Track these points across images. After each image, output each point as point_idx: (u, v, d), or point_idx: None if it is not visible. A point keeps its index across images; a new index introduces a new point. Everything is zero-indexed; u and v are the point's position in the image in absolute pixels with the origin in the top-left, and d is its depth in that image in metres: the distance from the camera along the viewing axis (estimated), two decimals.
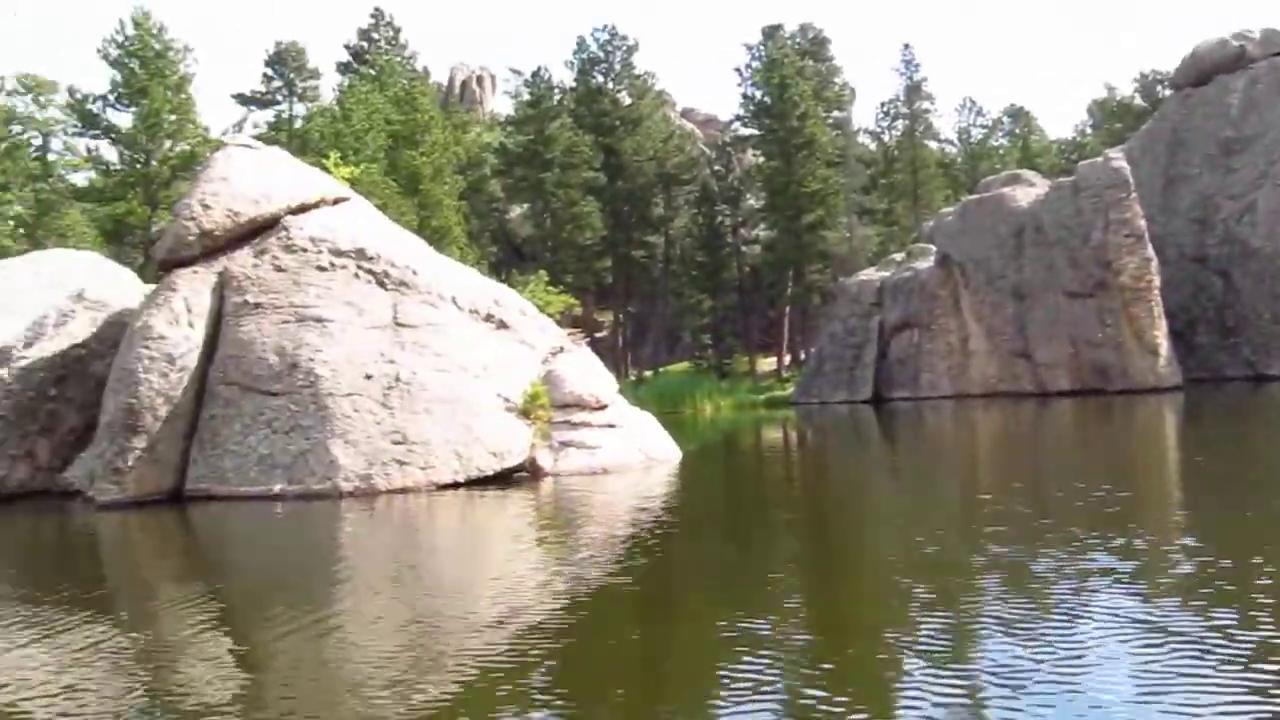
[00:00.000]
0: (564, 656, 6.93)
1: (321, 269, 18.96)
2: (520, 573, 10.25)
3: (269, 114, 60.79)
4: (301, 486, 16.55)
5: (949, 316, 41.61)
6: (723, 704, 5.70)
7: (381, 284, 19.04)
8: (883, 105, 64.64)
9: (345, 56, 64.37)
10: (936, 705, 5.36)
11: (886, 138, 64.69)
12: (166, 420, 17.72)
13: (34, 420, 20.88)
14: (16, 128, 48.10)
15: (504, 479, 16.97)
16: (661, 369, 60.22)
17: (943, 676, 5.82)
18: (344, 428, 16.85)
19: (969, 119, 69.56)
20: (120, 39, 44.84)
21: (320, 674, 6.85)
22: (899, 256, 47.62)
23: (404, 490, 16.21)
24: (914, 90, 63.88)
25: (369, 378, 17.42)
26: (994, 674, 5.78)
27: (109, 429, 18.06)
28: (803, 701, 5.65)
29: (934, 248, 43.46)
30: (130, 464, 17.41)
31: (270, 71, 59.53)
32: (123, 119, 45.92)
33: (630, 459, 18.47)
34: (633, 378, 54.72)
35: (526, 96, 64.19)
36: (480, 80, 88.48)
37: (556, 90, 63.91)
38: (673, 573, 9.83)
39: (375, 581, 10.32)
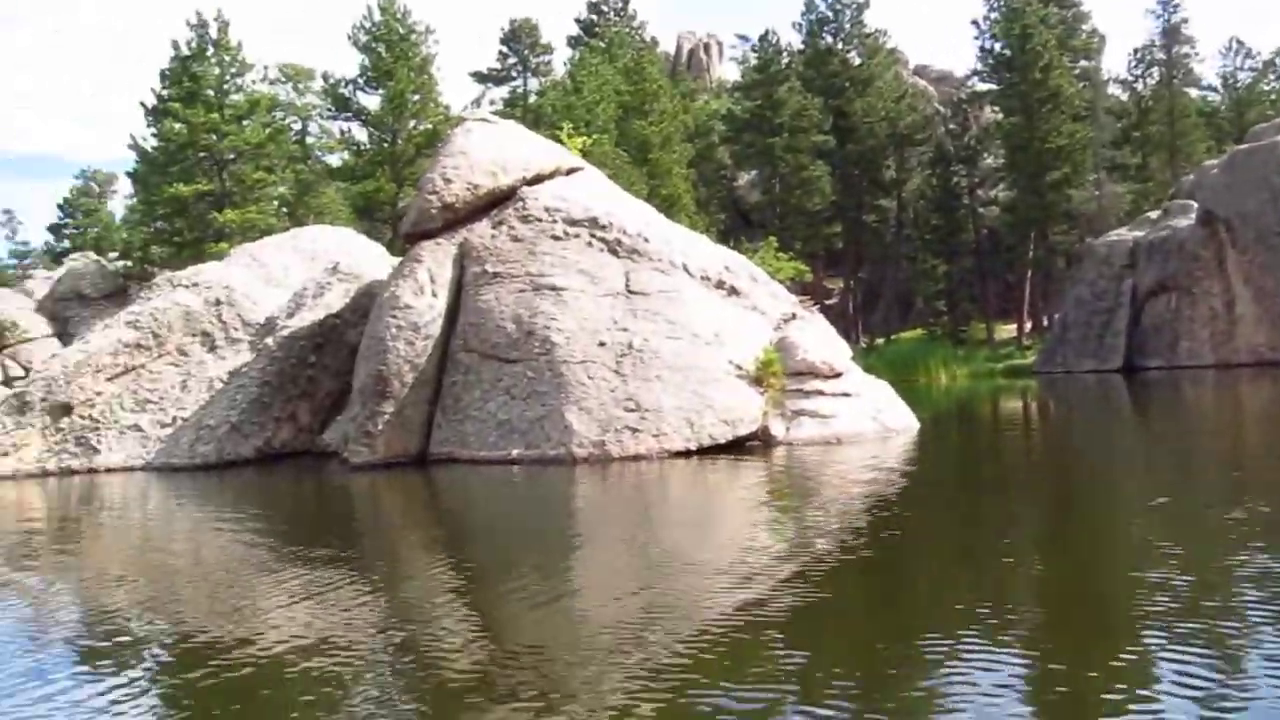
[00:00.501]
0: (797, 629, 6.65)
1: (556, 238, 19.27)
2: (755, 542, 10.02)
3: (504, 90, 62.80)
4: (538, 451, 16.91)
5: (1212, 279, 38.33)
6: (955, 690, 5.27)
7: (614, 252, 19.18)
8: (1136, 51, 60.03)
9: (576, 30, 65.67)
10: None
11: (1140, 87, 60.06)
12: (412, 386, 18.50)
13: (295, 385, 22.33)
14: (279, 114, 51.53)
15: (736, 447, 16.75)
16: (893, 336, 58.48)
17: (1230, 691, 5.14)
18: (579, 395, 17.08)
19: (1235, 62, 63.76)
20: (368, 24, 47.29)
21: (560, 631, 6.86)
22: (1154, 214, 44.21)
23: (636, 457, 16.28)
24: (1172, 33, 59.02)
25: (602, 345, 17.58)
26: None
27: (361, 394, 19.05)
28: (1050, 699, 5.14)
29: (1195, 204, 40.05)
30: (380, 428, 18.30)
31: (505, 49, 61.33)
32: (371, 101, 48.50)
33: (865, 429, 17.88)
34: (863, 345, 53.39)
35: (754, 61, 63.49)
36: (707, 48, 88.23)
37: (784, 53, 62.83)
38: (910, 548, 9.32)
39: (612, 545, 10.36)
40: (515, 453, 17.04)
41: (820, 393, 17.90)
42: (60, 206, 67.20)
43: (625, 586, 8.10)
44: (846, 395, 18.24)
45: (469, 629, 7.18)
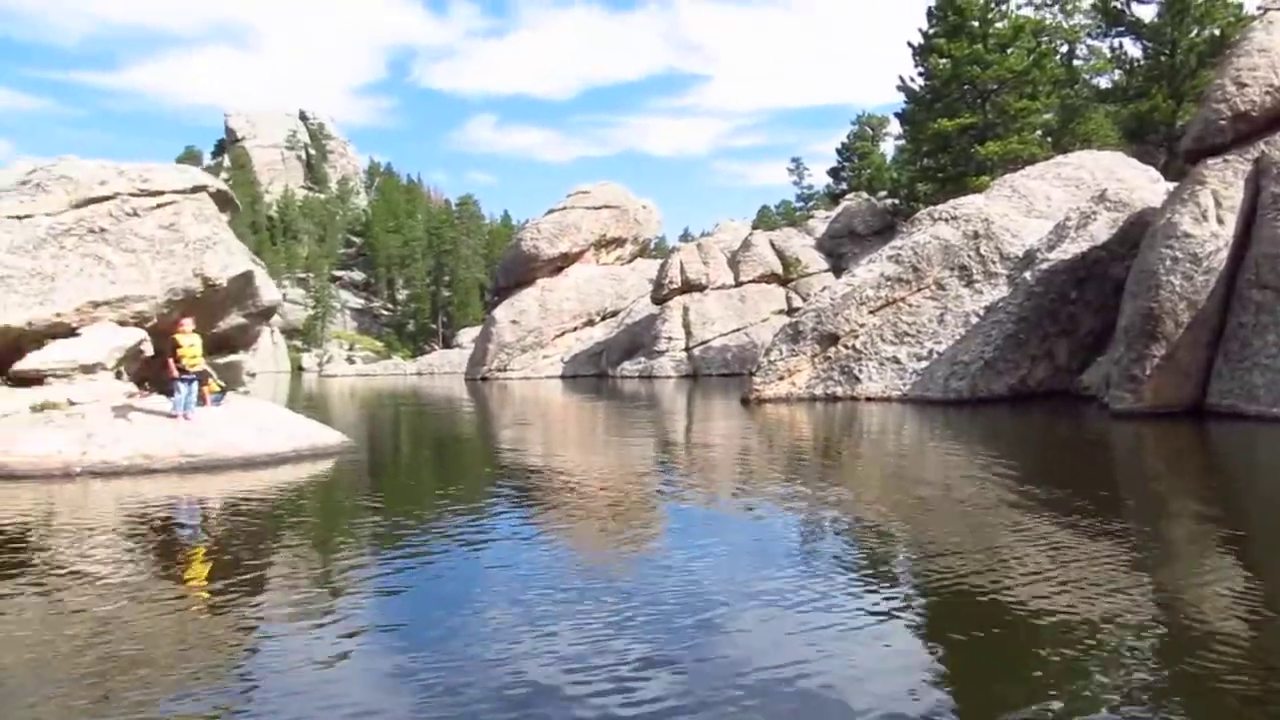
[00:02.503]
0: None
1: None
2: None
3: None
4: None
5: None
6: None
7: None
8: None
9: None
10: None
11: None
12: (1188, 327, 16.29)
13: (1054, 322, 21.15)
14: (1044, 38, 49.51)
15: None
16: None
17: None
18: None
19: None
20: None
21: None
22: None
23: None
24: None
25: None
26: None
27: (1126, 334, 17.29)
28: None
29: None
30: (1147, 372, 16.44)
31: None
32: (1147, 11, 44.29)
33: None
34: None
35: None
36: None
37: None
38: None
39: None
40: None
41: None
42: (838, 151, 72.72)
43: None
44: None
45: (1235, 620, 5.70)
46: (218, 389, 14.80)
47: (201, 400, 14.36)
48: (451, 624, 5.94)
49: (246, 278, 16.91)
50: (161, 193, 16.36)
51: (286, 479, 12.66)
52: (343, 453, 15.02)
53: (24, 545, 8.43)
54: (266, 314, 18.49)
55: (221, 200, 17.70)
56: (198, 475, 12.56)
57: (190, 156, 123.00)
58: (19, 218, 15.41)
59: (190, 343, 14.05)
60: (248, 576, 7.36)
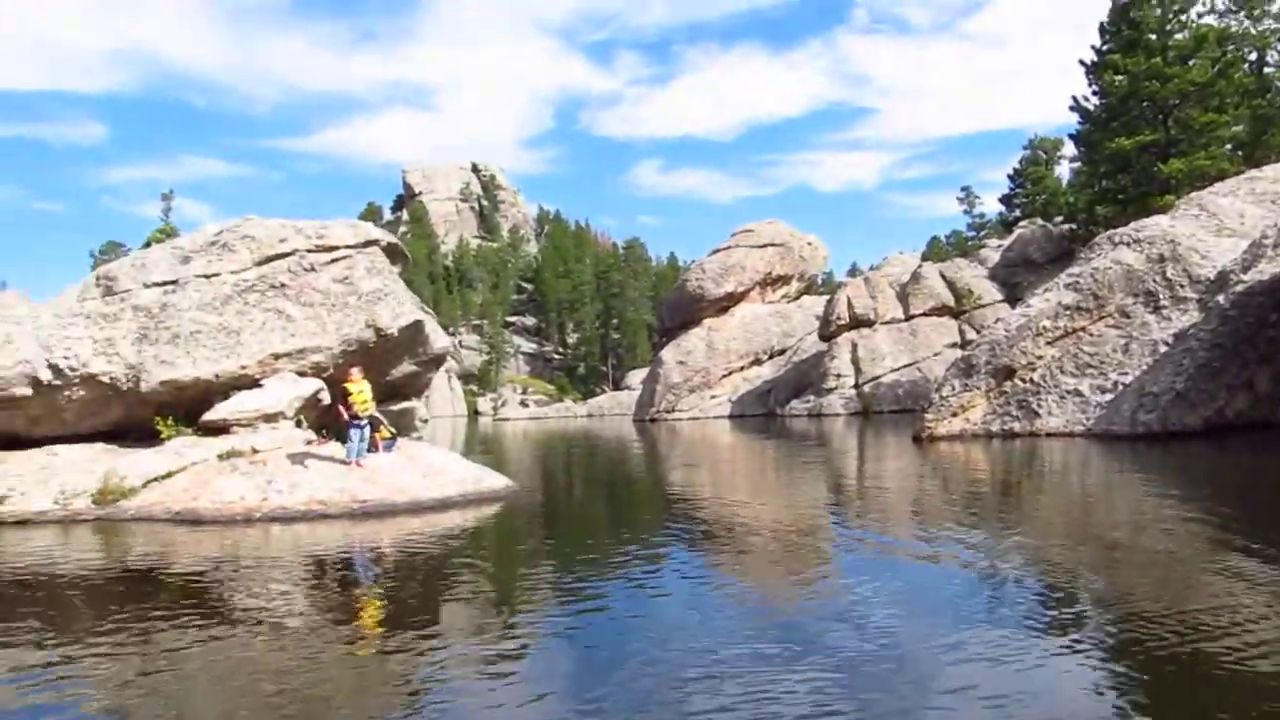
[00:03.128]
0: None
1: None
2: None
3: None
4: None
5: None
6: None
7: None
8: None
9: None
10: None
11: None
12: None
13: (1253, 348, 19.68)
14: (1230, 46, 46.76)
15: None
16: None
17: None
18: None
19: None
20: None
21: None
22: None
23: None
24: None
25: None
26: None
27: None
28: None
29: None
30: None
31: None
32: None
33: None
34: None
35: None
36: None
37: None
38: None
39: None
40: None
41: None
42: (1010, 177, 70.21)
43: None
44: None
45: None
46: (389, 435, 15.26)
47: (374, 447, 14.82)
48: (628, 670, 5.89)
49: (417, 327, 17.42)
50: (336, 248, 17.09)
51: (453, 524, 12.88)
52: (508, 497, 15.20)
53: (214, 587, 8.81)
54: (437, 361, 18.99)
55: (392, 253, 18.35)
56: (368, 520, 12.92)
57: (371, 213, 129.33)
58: (207, 276, 16.34)
59: (360, 389, 14.54)
60: (418, 619, 7.55)
